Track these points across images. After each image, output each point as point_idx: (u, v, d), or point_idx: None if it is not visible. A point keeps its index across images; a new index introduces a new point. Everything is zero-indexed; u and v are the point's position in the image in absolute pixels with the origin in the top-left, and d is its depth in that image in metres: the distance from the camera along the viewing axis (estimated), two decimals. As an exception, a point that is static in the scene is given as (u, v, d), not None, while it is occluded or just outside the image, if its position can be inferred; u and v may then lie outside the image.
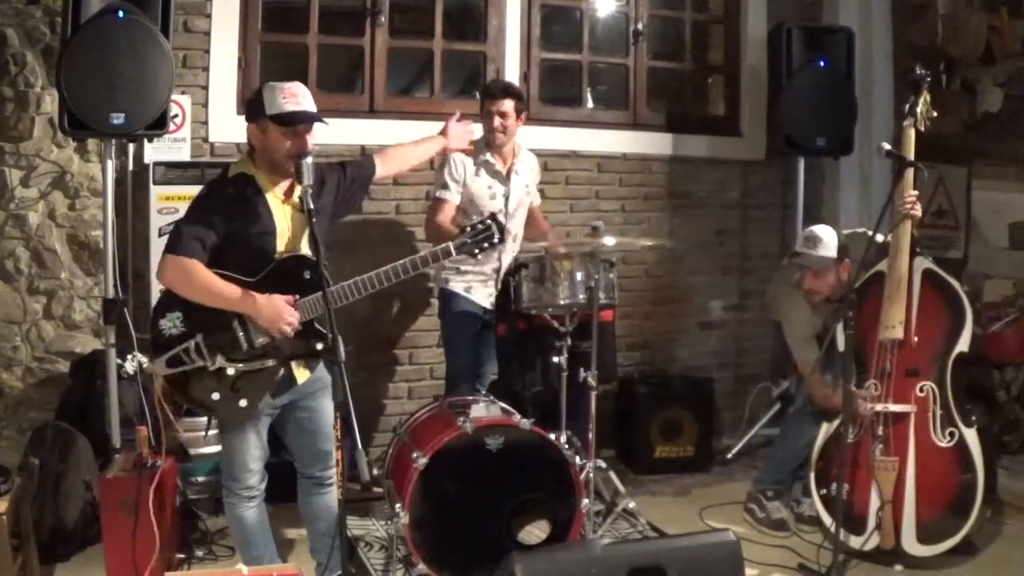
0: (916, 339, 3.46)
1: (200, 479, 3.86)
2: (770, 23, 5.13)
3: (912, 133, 3.49)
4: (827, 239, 3.75)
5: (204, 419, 2.96)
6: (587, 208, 4.87)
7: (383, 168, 3.15)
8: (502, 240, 2.90)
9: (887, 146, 3.45)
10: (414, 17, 4.88)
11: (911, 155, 3.45)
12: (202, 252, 2.67)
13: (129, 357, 3.60)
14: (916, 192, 3.47)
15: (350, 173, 3.03)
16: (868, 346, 3.51)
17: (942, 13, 5.17)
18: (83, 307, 4.12)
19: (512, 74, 4.69)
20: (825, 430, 3.62)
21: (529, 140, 4.30)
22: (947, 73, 5.15)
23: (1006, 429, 4.51)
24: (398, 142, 3.34)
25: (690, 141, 5.12)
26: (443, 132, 3.43)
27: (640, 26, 5.01)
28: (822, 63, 4.82)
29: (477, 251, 2.89)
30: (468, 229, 2.88)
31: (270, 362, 2.76)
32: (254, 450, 2.87)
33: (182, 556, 3.43)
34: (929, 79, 3.55)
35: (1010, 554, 3.58)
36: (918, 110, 3.51)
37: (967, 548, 3.47)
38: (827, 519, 3.55)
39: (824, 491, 3.57)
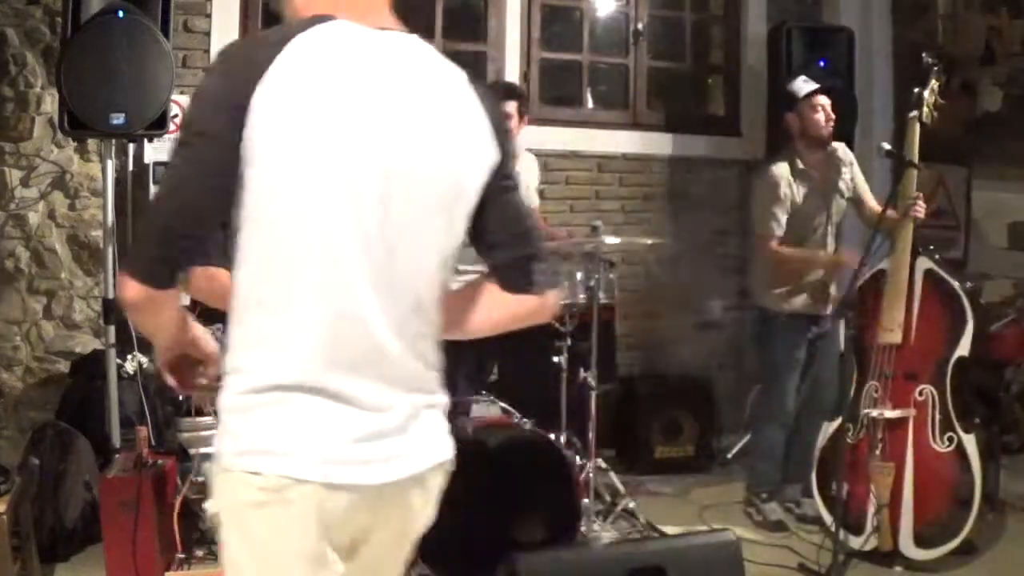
0: (914, 342, 3.42)
1: (200, 479, 3.85)
2: (770, 23, 5.13)
3: (917, 127, 3.38)
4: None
5: (206, 419, 2.96)
6: (587, 208, 4.87)
7: None
8: None
9: (887, 146, 3.44)
10: (414, 17, 4.87)
11: (915, 149, 3.36)
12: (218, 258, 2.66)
13: (129, 357, 3.60)
14: (919, 194, 3.43)
15: None
16: (868, 345, 3.48)
17: (942, 13, 5.17)
18: (83, 307, 4.12)
19: (512, 74, 4.69)
20: (826, 430, 3.61)
21: (529, 140, 4.29)
22: (947, 73, 5.14)
23: (1006, 429, 4.51)
24: None
25: (690, 141, 5.12)
26: None
27: (640, 26, 5.01)
28: (822, 63, 4.80)
29: None
30: None
31: None
32: None
33: (182, 556, 3.43)
34: (937, 68, 3.44)
35: (1010, 554, 3.57)
36: (925, 99, 3.39)
37: (967, 548, 3.46)
38: (829, 519, 3.54)
39: (826, 490, 3.57)
